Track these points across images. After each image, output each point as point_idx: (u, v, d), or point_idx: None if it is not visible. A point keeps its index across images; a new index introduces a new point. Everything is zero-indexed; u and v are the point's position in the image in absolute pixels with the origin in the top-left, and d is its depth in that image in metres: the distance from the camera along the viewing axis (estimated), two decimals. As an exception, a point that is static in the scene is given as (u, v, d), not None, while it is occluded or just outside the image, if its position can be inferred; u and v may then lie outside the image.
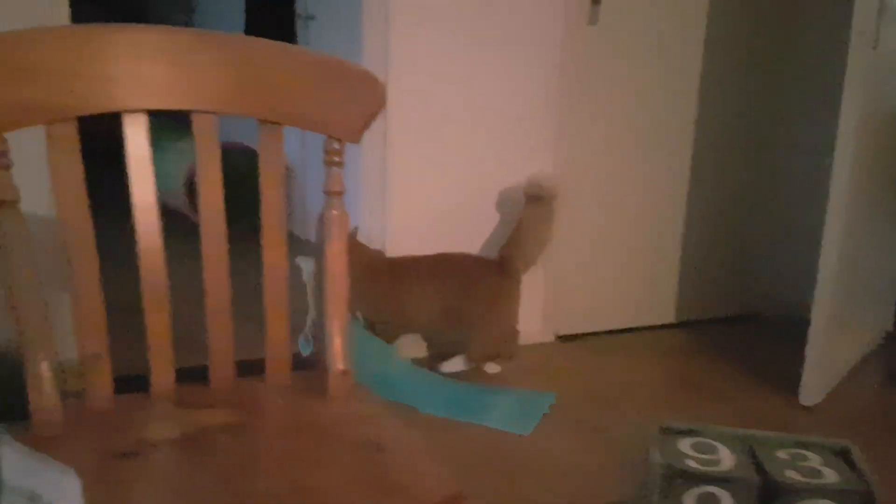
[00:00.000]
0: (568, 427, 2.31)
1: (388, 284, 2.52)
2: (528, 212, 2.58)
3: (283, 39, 4.08)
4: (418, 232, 2.72)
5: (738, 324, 3.29)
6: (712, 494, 1.06)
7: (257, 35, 3.92)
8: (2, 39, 1.04)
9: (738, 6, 3.00)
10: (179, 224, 3.23)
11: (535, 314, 2.97)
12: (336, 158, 1.21)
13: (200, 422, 1.08)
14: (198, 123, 1.17)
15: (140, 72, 1.12)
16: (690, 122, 3.04)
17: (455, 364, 2.62)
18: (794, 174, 3.25)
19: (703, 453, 1.15)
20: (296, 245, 4.16)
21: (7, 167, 1.01)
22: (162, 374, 1.14)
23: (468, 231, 2.79)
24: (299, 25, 4.19)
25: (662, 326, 3.21)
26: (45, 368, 1.01)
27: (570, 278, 2.98)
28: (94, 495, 0.88)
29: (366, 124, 1.22)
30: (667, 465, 1.12)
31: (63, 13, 2.11)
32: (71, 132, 1.08)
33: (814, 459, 1.18)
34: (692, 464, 1.11)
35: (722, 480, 1.07)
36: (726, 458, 1.11)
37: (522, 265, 2.59)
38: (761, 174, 3.22)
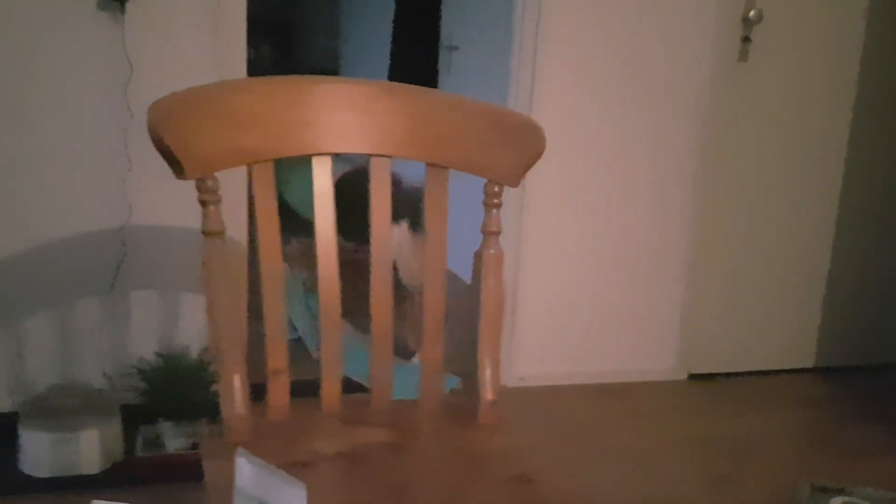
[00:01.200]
0: (698, 477, 2.28)
1: None
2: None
3: (425, 68, 4.25)
4: (552, 265, 2.77)
5: (880, 373, 3.14)
6: (862, 558, 1.08)
7: (401, 64, 4.10)
8: (217, 89, 1.19)
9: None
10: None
11: (668, 350, 2.95)
12: (495, 200, 1.30)
13: (363, 439, 1.18)
14: (375, 165, 1.29)
15: (333, 119, 1.25)
16: (840, 162, 2.95)
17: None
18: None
19: None
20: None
21: (218, 202, 1.15)
22: (331, 390, 1.26)
23: (605, 266, 2.82)
24: (443, 55, 4.35)
25: (800, 371, 3.11)
26: (237, 381, 1.14)
27: (707, 316, 2.94)
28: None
29: (525, 169, 1.31)
30: None
31: (241, 46, 2.32)
32: (269, 171, 1.22)
33: None
34: None
35: None
36: None
37: None
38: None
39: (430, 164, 1.31)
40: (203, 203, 1.14)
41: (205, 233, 1.15)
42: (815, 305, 3.06)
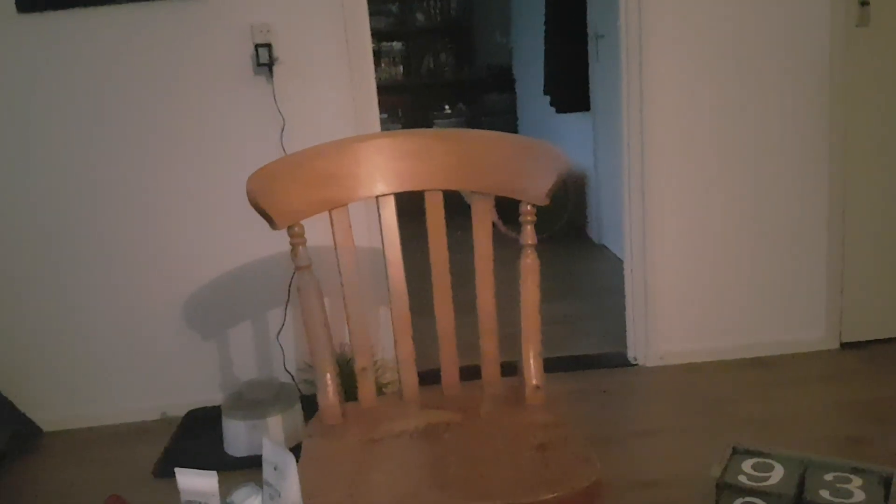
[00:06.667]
0: (823, 441, 2.32)
1: None
2: None
3: (576, 55, 4.43)
4: (686, 242, 2.88)
5: None
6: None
7: (554, 55, 4.31)
8: (300, 157, 1.55)
9: None
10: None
11: (815, 318, 2.93)
12: (529, 218, 1.54)
13: (431, 419, 1.49)
14: (429, 199, 1.59)
15: (392, 166, 1.58)
16: None
17: None
18: None
19: (759, 471, 1.30)
20: (591, 249, 4.50)
21: (304, 244, 1.52)
22: (409, 382, 1.58)
23: (742, 239, 2.88)
24: (591, 43, 4.50)
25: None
26: (328, 378, 1.50)
27: (858, 282, 2.89)
28: (351, 464, 1.34)
29: (552, 189, 1.53)
30: (719, 478, 1.36)
31: (372, 93, 2.69)
32: (345, 215, 1.56)
33: (854, 482, 1.24)
34: (744, 479, 1.27)
35: (763, 493, 1.23)
36: (776, 476, 1.25)
37: None
38: None
39: (475, 192, 1.58)
40: (293, 245, 1.51)
41: (297, 267, 1.52)
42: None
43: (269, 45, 2.54)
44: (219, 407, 2.65)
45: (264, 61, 2.54)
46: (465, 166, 1.58)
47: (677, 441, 2.38)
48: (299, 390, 2.64)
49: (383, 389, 2.64)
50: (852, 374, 2.75)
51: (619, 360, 2.96)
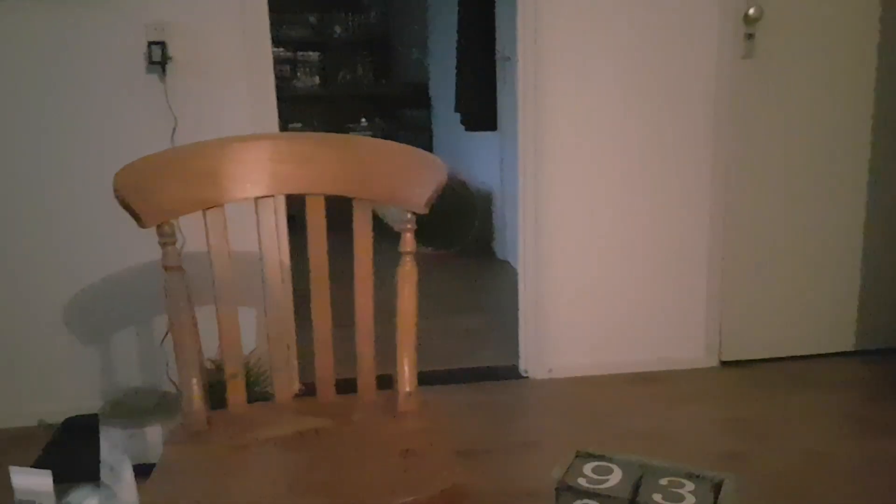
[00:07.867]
0: (703, 456, 2.40)
1: None
2: None
3: (485, 76, 4.48)
4: (577, 259, 2.95)
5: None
6: (590, 506, 1.30)
7: (465, 74, 4.36)
8: (176, 153, 1.52)
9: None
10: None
11: (696, 337, 3.05)
12: (409, 226, 1.55)
13: (301, 426, 1.47)
14: (310, 203, 1.57)
15: (275, 169, 1.55)
16: (867, 142, 2.95)
17: None
18: None
19: (598, 474, 1.37)
20: (494, 265, 4.56)
21: (175, 243, 1.48)
22: (284, 391, 1.56)
23: (630, 258, 2.96)
24: (499, 65, 4.58)
25: (837, 354, 3.11)
26: (194, 383, 1.46)
27: (738, 302, 3.02)
28: (210, 471, 1.30)
29: (431, 198, 1.54)
30: (560, 481, 1.41)
31: (271, 95, 2.66)
32: (221, 216, 1.53)
33: (687, 487, 1.33)
34: (583, 481, 1.33)
35: (599, 496, 1.29)
36: (613, 480, 1.33)
37: None
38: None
39: (356, 199, 1.58)
40: (162, 245, 1.47)
41: (165, 267, 1.48)
42: (851, 287, 3.06)
43: (162, 43, 2.48)
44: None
45: (157, 59, 2.48)
46: (348, 173, 1.57)
47: (558, 452, 2.42)
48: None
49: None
50: (731, 392, 2.86)
51: (511, 373, 3.00)
